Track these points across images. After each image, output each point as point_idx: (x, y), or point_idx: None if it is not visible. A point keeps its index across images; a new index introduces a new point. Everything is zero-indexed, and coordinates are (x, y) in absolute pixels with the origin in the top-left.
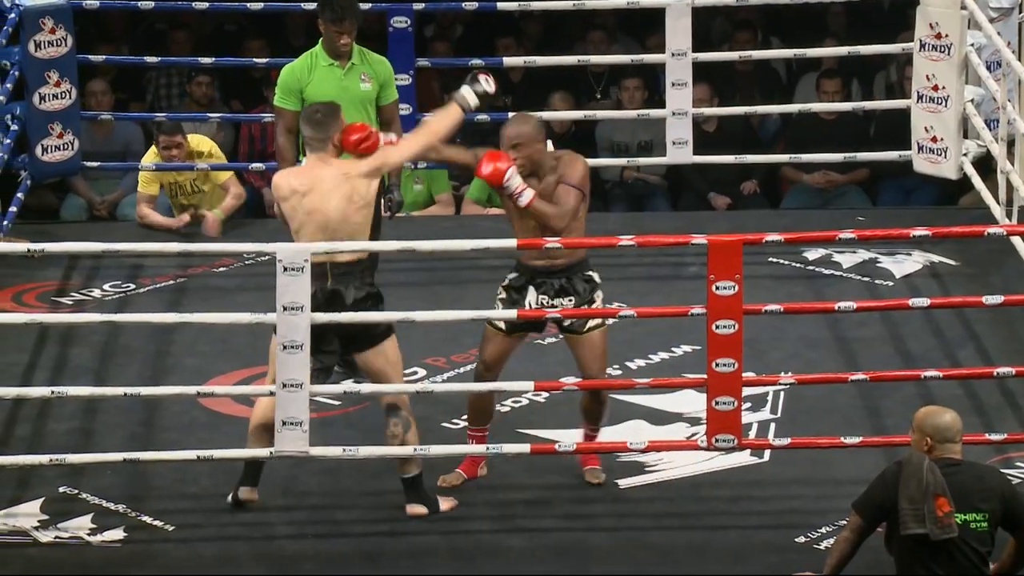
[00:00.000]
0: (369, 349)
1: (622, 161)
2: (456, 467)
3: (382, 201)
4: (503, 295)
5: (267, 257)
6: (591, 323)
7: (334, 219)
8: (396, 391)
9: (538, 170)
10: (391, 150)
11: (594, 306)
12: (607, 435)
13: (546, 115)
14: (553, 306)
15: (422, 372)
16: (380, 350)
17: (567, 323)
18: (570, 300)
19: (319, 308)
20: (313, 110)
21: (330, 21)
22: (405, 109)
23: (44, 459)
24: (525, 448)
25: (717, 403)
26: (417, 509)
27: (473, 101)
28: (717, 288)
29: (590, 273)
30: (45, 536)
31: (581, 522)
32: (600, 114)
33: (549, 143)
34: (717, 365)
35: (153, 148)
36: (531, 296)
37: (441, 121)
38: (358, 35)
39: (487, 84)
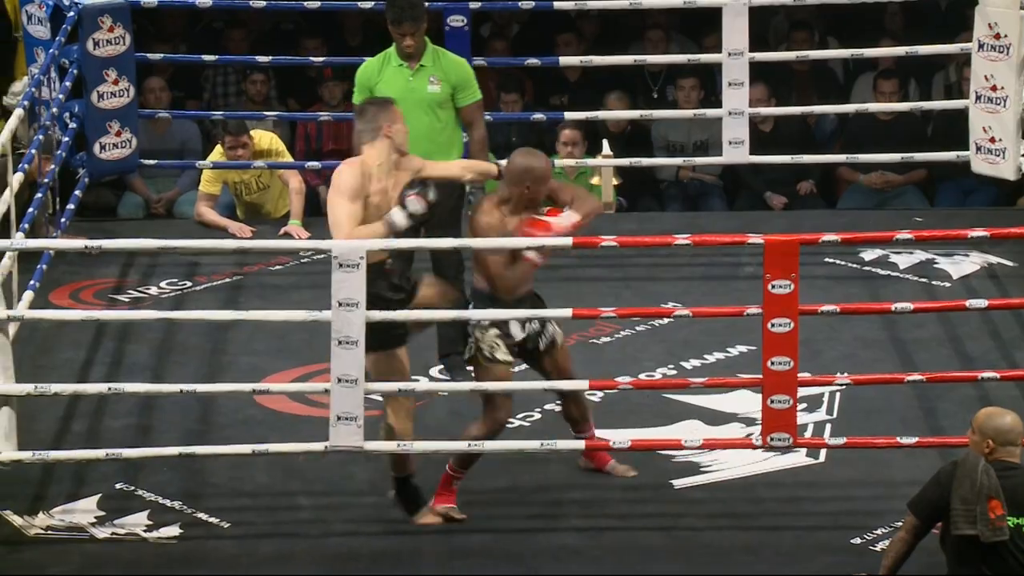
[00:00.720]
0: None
1: (678, 161)
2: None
3: (465, 200)
4: (496, 335)
5: (323, 255)
6: (559, 340)
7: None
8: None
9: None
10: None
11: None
12: (662, 435)
13: (602, 114)
14: (537, 326)
15: None
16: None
17: (541, 344)
18: (537, 321)
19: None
20: (368, 102)
21: (391, 23)
22: None
23: (100, 454)
24: (579, 445)
25: (772, 401)
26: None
27: (402, 223)
28: (773, 287)
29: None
30: (102, 532)
31: (635, 521)
32: (656, 114)
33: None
34: (772, 364)
35: (219, 147)
36: (515, 327)
37: (364, 231)
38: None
39: (417, 204)
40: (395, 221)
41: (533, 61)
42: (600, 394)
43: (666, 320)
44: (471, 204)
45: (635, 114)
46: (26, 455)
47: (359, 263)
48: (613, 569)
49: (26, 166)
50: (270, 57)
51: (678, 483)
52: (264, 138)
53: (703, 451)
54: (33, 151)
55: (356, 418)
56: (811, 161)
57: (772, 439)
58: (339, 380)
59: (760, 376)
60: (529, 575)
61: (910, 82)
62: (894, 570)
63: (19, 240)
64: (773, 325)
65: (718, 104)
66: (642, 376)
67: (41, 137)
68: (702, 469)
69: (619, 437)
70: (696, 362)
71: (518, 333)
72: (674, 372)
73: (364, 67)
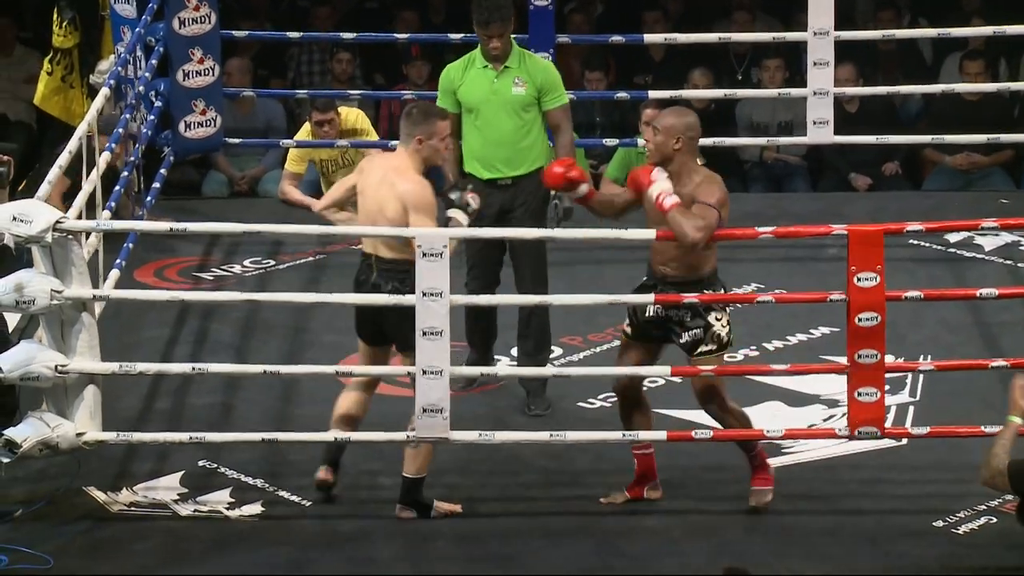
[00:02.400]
0: (388, 346)
1: (762, 141)
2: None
3: (549, 207)
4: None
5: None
6: (702, 348)
7: (372, 210)
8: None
9: (670, 173)
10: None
11: (712, 330)
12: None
13: (686, 93)
14: (669, 318)
15: (558, 351)
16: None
17: (683, 339)
18: (687, 315)
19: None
20: (412, 105)
21: (477, 24)
22: None
23: (183, 437)
24: (661, 436)
25: (859, 394)
26: (405, 513)
27: (465, 222)
28: (859, 280)
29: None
30: (184, 509)
31: (715, 503)
32: (741, 93)
33: (702, 161)
34: (859, 356)
35: (306, 125)
36: (648, 306)
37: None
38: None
39: (473, 200)
40: (461, 222)
41: (617, 39)
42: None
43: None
44: (557, 207)
45: (719, 93)
46: (110, 436)
47: (443, 252)
48: (694, 550)
49: (113, 145)
50: (355, 35)
51: None
52: (351, 115)
53: None
54: (120, 130)
55: (442, 410)
56: (897, 142)
57: (860, 432)
58: (424, 372)
59: (843, 362)
60: (611, 554)
61: (1000, 62)
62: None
63: (105, 221)
64: (860, 319)
65: (803, 84)
66: (724, 357)
67: (127, 116)
68: (784, 450)
69: (702, 422)
70: (779, 343)
71: (650, 311)
72: (756, 354)
73: (447, 70)
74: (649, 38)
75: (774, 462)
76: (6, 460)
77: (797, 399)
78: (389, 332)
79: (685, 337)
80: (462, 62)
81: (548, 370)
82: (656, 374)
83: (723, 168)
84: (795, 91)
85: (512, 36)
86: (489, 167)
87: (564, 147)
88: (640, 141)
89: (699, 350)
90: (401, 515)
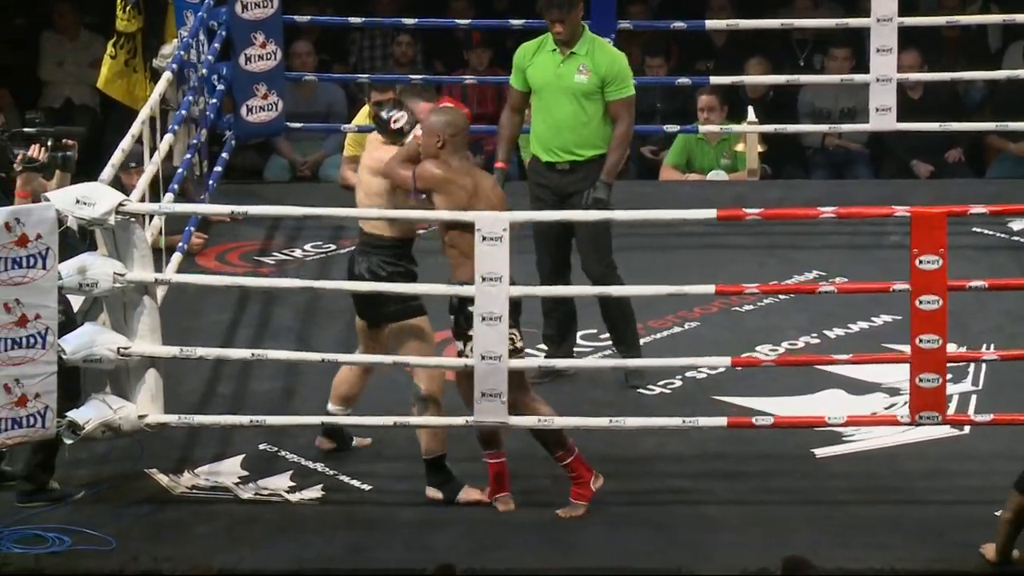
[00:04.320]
0: (382, 325)
1: (823, 127)
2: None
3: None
4: None
5: None
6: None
7: (360, 195)
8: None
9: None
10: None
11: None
12: (805, 404)
13: (748, 79)
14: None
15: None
16: (395, 329)
17: None
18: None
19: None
20: (379, 111)
21: (541, 8)
22: None
23: (244, 420)
24: (721, 422)
25: (921, 380)
26: (432, 493)
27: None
28: (920, 263)
29: None
30: (245, 492)
31: (777, 493)
32: (803, 79)
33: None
34: (921, 341)
35: (365, 108)
36: None
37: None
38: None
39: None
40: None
41: (679, 25)
42: None
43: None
44: (587, 196)
45: (781, 79)
46: (171, 418)
47: (502, 236)
48: (754, 539)
49: (175, 127)
50: (416, 19)
51: (820, 452)
52: None
53: None
54: (183, 112)
55: (500, 394)
56: (960, 129)
57: (921, 417)
58: (483, 357)
59: (905, 351)
60: (668, 543)
61: None
62: (1006, 554)
63: (168, 204)
64: (921, 302)
65: (866, 71)
66: (784, 345)
67: (190, 99)
68: (844, 439)
69: (761, 407)
70: (840, 331)
71: None
72: (817, 342)
73: (521, 48)
74: (711, 24)
75: (834, 451)
76: (69, 442)
77: (858, 387)
78: (379, 310)
79: None
80: (536, 42)
81: (606, 362)
82: (715, 364)
83: (784, 154)
84: (858, 77)
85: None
86: (548, 151)
87: (618, 138)
88: (700, 128)
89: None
90: (429, 495)
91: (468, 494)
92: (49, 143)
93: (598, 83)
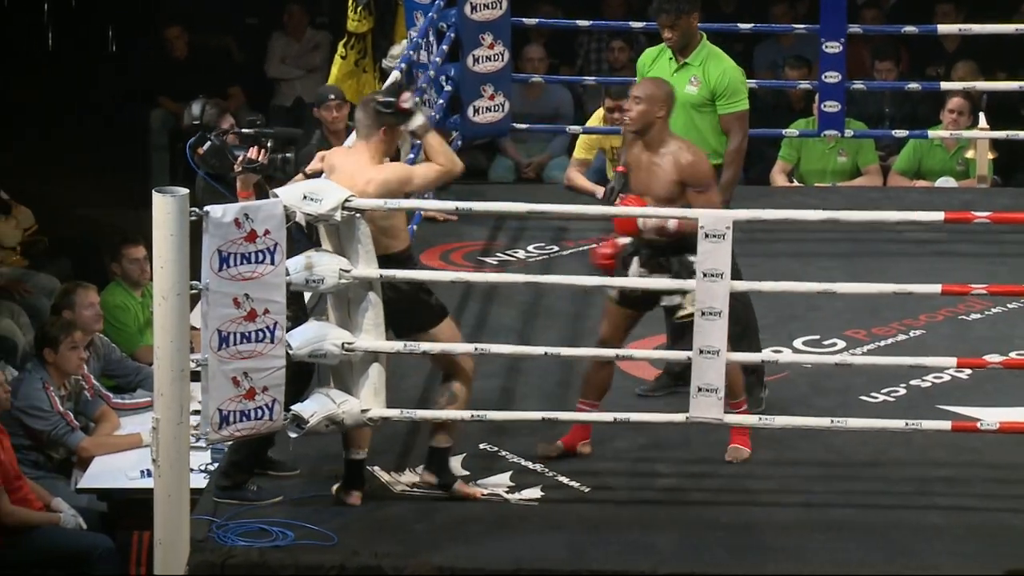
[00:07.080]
0: (417, 334)
1: None
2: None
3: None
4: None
5: None
6: (682, 312)
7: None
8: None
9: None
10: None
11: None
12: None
13: (980, 85)
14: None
15: (841, 344)
16: (431, 336)
17: (664, 301)
18: (665, 277)
19: None
20: (376, 96)
21: (652, 13)
22: (833, 77)
23: (466, 415)
24: (946, 425)
25: None
26: (428, 478)
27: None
28: None
29: (690, 258)
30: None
31: (1002, 501)
32: None
33: None
34: None
35: (599, 111)
36: (633, 267)
37: (439, 153)
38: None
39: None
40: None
41: (910, 29)
42: (968, 371)
43: None
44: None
45: (1013, 85)
46: (394, 413)
47: (725, 233)
48: (977, 549)
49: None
50: (643, 23)
51: None
52: None
53: None
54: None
55: (717, 390)
56: None
57: None
58: (700, 351)
59: None
60: (884, 549)
61: None
62: None
63: (393, 200)
64: None
65: None
66: (1012, 354)
67: (418, 99)
68: None
69: (988, 417)
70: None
71: (634, 272)
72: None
73: (645, 53)
74: (943, 29)
75: None
76: (294, 435)
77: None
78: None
79: (665, 301)
80: (656, 49)
81: (832, 358)
82: (942, 366)
83: (1015, 161)
84: None
85: (702, 31)
86: None
87: (731, 155)
88: (938, 133)
89: (679, 313)
90: (425, 479)
91: (463, 488)
92: (269, 144)
93: (708, 95)
